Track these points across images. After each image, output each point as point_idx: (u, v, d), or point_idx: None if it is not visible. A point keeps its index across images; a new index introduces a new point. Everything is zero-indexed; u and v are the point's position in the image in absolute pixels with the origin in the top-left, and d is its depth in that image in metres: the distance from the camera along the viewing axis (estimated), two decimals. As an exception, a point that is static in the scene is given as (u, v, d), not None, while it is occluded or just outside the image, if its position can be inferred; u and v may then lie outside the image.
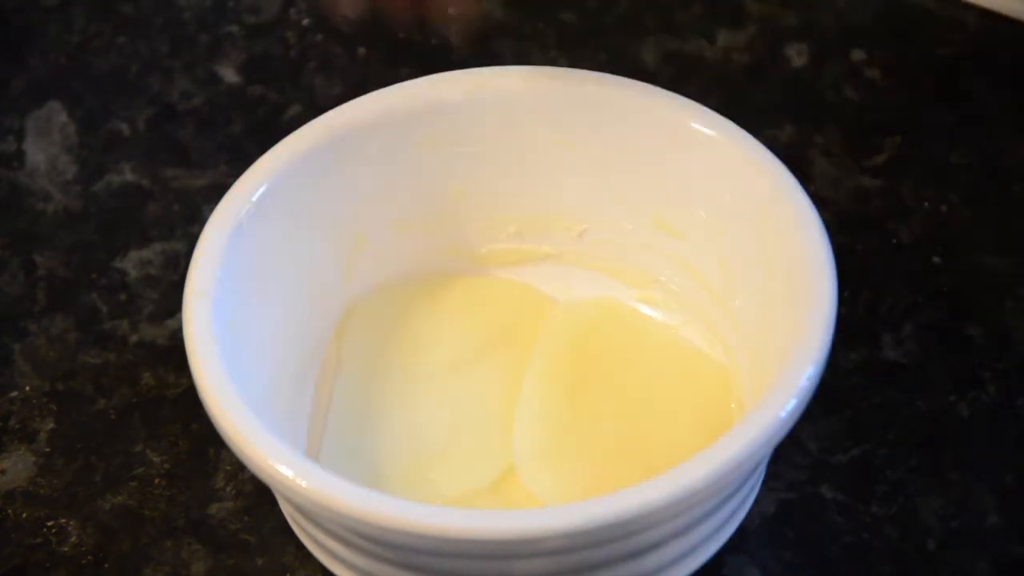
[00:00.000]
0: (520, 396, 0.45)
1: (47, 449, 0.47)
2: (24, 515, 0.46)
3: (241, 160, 0.45)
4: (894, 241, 0.51)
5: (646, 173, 0.46)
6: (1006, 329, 0.48)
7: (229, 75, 0.57)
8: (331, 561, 0.42)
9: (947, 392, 0.47)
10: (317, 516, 0.39)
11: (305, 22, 0.58)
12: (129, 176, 0.54)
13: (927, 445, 0.46)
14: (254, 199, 0.43)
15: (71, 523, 0.45)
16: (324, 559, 0.42)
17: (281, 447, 0.38)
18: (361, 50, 0.57)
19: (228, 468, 0.46)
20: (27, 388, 0.48)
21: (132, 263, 0.51)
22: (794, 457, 0.45)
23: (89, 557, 0.45)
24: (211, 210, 0.43)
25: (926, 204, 0.52)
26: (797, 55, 0.56)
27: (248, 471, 0.42)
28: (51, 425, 0.47)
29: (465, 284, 0.48)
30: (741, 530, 0.43)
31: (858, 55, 0.56)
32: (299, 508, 0.40)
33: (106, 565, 0.44)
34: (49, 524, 0.45)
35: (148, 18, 0.59)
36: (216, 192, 0.45)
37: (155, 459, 0.46)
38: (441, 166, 0.47)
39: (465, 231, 0.48)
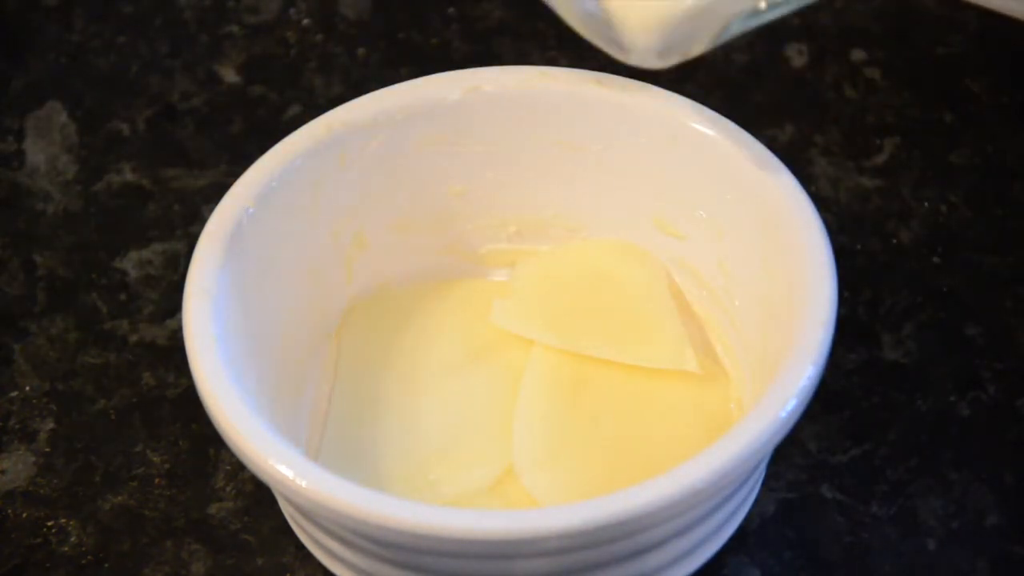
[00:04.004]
0: (520, 396, 0.45)
1: (47, 449, 0.47)
2: (24, 515, 0.46)
3: (241, 160, 0.45)
4: (894, 241, 0.51)
5: (646, 173, 0.46)
6: (1006, 329, 0.48)
7: (229, 75, 0.57)
8: (331, 561, 0.42)
9: (947, 392, 0.47)
10: (317, 516, 0.39)
11: (305, 22, 0.58)
12: (129, 176, 0.54)
13: (927, 445, 0.46)
14: (254, 199, 0.43)
15: (71, 523, 0.45)
16: (324, 559, 0.42)
17: (281, 447, 0.38)
18: (361, 50, 0.57)
19: (228, 468, 0.46)
20: (27, 388, 0.48)
21: (132, 263, 0.51)
22: (794, 457, 0.45)
23: (89, 557, 0.45)
24: (211, 210, 0.43)
25: (926, 204, 0.52)
26: (797, 55, 0.56)
27: (248, 471, 0.42)
28: (51, 425, 0.47)
29: (465, 284, 0.48)
30: (741, 530, 0.43)
31: (858, 55, 0.56)
32: (299, 508, 0.40)
33: (106, 565, 0.44)
34: (49, 524, 0.45)
35: (148, 18, 0.59)
36: (216, 192, 0.45)
37: (155, 459, 0.46)
38: (441, 166, 0.47)
39: (465, 231, 0.48)
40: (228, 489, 0.46)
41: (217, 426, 0.39)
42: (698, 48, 0.39)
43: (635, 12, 0.39)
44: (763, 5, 0.38)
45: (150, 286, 0.51)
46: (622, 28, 0.40)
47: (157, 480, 0.46)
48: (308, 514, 0.41)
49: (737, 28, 0.38)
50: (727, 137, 0.44)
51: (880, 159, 0.53)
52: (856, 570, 0.43)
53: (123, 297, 0.50)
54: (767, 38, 0.57)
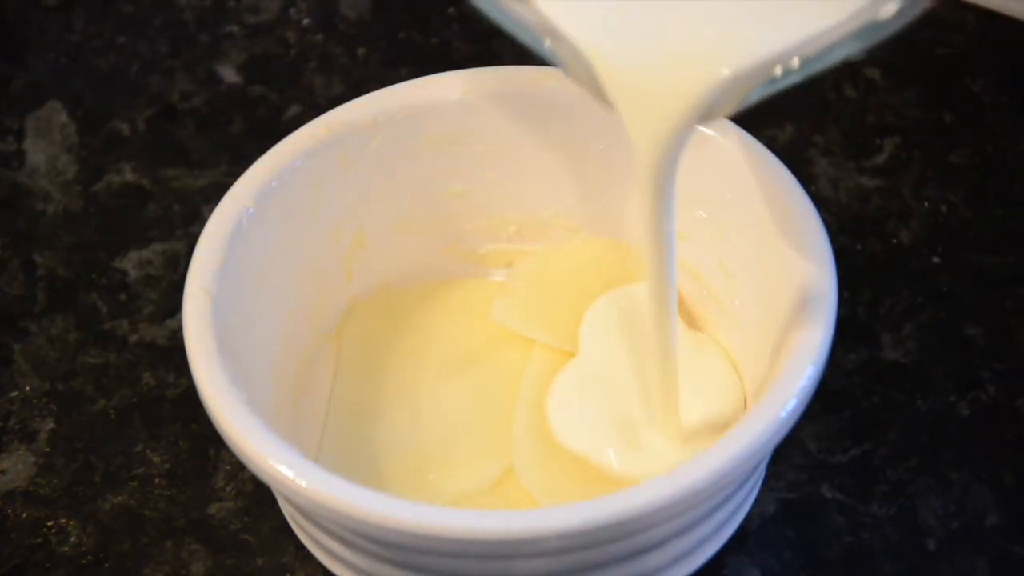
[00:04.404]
0: (520, 396, 0.45)
1: (47, 449, 0.47)
2: (24, 515, 0.46)
3: (241, 160, 0.45)
4: (894, 241, 0.51)
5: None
6: (1006, 329, 0.48)
7: (229, 75, 0.57)
8: (331, 561, 0.42)
9: (947, 392, 0.47)
10: (317, 516, 0.39)
11: (305, 22, 0.58)
12: (129, 176, 0.54)
13: (927, 445, 0.46)
14: (254, 199, 0.43)
15: (71, 523, 0.45)
16: (324, 559, 0.42)
17: (281, 447, 0.38)
18: (361, 50, 0.57)
19: (228, 468, 0.46)
20: (27, 388, 0.48)
21: (132, 263, 0.51)
22: (794, 457, 0.45)
23: (89, 557, 0.45)
24: (211, 210, 0.43)
25: (926, 204, 0.52)
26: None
27: (248, 471, 0.42)
28: (51, 425, 0.47)
29: (465, 284, 0.48)
30: (741, 530, 0.43)
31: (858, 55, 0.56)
32: (299, 508, 0.40)
33: (106, 565, 0.44)
34: (49, 524, 0.45)
35: (148, 18, 0.59)
36: (216, 192, 0.45)
37: (155, 459, 0.46)
38: (441, 166, 0.47)
39: (465, 231, 0.48)
40: (228, 489, 0.46)
41: (217, 426, 0.39)
42: (718, 116, 0.38)
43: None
44: (779, 72, 0.37)
45: (150, 286, 0.51)
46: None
47: (157, 480, 0.46)
48: (308, 514, 0.41)
49: (756, 96, 0.37)
50: (727, 137, 0.44)
51: (880, 159, 0.53)
52: (856, 570, 0.43)
53: (123, 297, 0.50)
54: (767, 38, 0.57)
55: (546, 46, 0.38)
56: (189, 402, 0.47)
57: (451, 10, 0.58)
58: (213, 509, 0.45)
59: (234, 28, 0.58)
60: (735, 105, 0.38)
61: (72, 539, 0.45)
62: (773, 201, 0.43)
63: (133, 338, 0.49)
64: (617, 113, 0.38)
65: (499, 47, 0.57)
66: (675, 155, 0.38)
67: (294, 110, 0.55)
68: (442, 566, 0.39)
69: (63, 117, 0.56)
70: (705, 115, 0.37)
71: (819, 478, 0.45)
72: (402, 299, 0.47)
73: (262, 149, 0.44)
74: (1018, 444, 0.46)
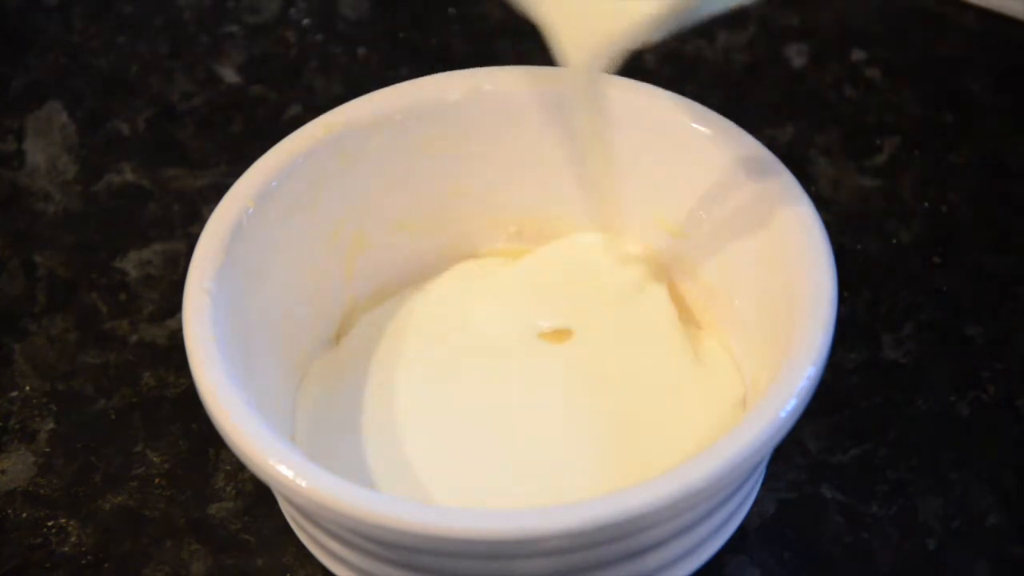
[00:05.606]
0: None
1: (47, 449, 0.47)
2: (24, 515, 0.46)
3: (241, 160, 0.45)
4: (894, 241, 0.51)
5: (646, 173, 0.46)
6: (1006, 329, 0.48)
7: (229, 75, 0.57)
8: (331, 561, 0.42)
9: (947, 392, 0.47)
10: (317, 516, 0.39)
11: (305, 22, 0.58)
12: (129, 176, 0.54)
13: (927, 445, 0.46)
14: (254, 199, 0.43)
15: (71, 523, 0.45)
16: (324, 559, 0.42)
17: (281, 447, 0.38)
18: (361, 50, 0.57)
19: (228, 468, 0.46)
20: (27, 388, 0.48)
21: (132, 263, 0.51)
22: (794, 457, 0.45)
23: (89, 557, 0.45)
24: (211, 210, 0.43)
25: (926, 204, 0.52)
26: (797, 55, 0.56)
27: (248, 471, 0.42)
28: (51, 425, 0.47)
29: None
30: (741, 530, 0.43)
31: (858, 55, 0.56)
32: (299, 508, 0.40)
33: (106, 565, 0.44)
34: (49, 524, 0.45)
35: (148, 18, 0.59)
36: (216, 192, 0.45)
37: (155, 459, 0.46)
38: (441, 166, 0.47)
39: (465, 231, 0.48)
40: (228, 489, 0.46)
41: (217, 426, 0.39)
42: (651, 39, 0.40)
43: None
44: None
45: (150, 286, 0.51)
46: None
47: (157, 480, 0.46)
48: (308, 514, 0.41)
49: (677, 26, 0.39)
50: (727, 137, 0.44)
51: (880, 159, 0.53)
52: (856, 570, 0.43)
53: (123, 297, 0.50)
54: (767, 38, 0.57)
55: None
56: (189, 402, 0.47)
57: (451, 10, 0.58)
58: (213, 509, 0.45)
59: (234, 28, 0.58)
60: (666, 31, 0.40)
61: (72, 539, 0.45)
62: (773, 201, 0.43)
63: (133, 338, 0.49)
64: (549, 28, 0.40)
65: (499, 47, 0.57)
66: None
67: (294, 110, 0.55)
68: (442, 566, 0.39)
69: (63, 117, 0.56)
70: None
71: (819, 478, 0.45)
72: (402, 299, 0.47)
73: (262, 149, 0.44)
74: (1018, 444, 0.46)
